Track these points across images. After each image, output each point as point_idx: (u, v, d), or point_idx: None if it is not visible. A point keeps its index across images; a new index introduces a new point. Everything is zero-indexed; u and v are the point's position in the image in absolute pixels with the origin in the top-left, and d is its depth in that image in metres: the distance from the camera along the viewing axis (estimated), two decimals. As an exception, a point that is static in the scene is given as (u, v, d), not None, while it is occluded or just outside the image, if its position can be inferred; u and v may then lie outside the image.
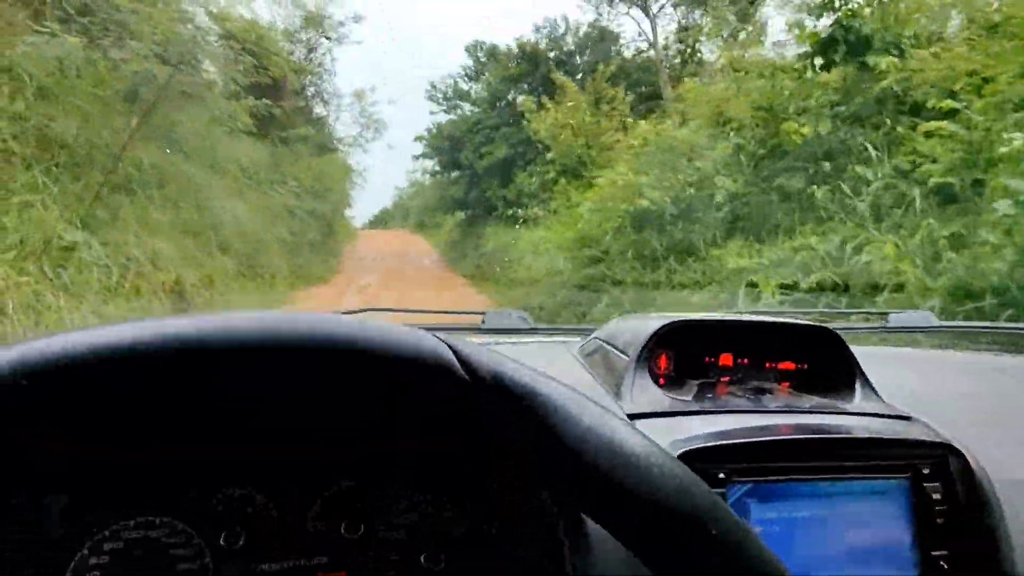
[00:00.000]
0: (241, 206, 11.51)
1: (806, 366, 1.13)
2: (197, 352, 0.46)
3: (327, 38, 21.77)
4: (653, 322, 1.08)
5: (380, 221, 58.69)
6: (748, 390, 1.06)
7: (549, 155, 15.30)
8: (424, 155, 27.30)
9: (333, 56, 26.86)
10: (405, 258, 27.52)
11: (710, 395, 1.05)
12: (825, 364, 1.11)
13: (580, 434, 0.50)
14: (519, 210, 15.32)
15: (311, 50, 22.32)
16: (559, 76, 17.07)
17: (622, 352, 1.09)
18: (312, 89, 23.19)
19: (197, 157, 10.56)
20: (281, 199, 15.82)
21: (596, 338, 1.24)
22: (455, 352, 0.50)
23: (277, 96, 16.56)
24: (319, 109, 24.82)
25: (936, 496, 0.85)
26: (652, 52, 20.15)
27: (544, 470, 0.53)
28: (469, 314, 1.72)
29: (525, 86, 21.43)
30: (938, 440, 0.88)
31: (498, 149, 20.42)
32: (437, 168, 27.79)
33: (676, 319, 1.08)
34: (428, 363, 0.49)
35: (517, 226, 16.10)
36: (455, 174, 25.53)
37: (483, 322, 1.63)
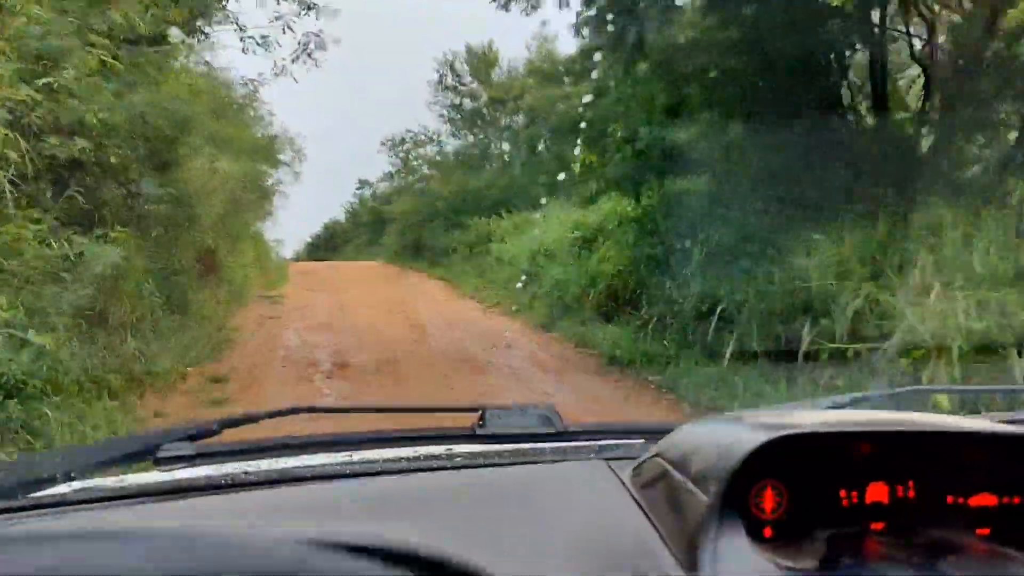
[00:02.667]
0: None
1: (1017, 500, 0.75)
2: None
3: None
4: (747, 433, 0.74)
5: (315, 249, 38.83)
6: (918, 548, 0.71)
7: None
8: None
9: None
10: (459, 362, 6.88)
11: (850, 559, 0.70)
12: None
13: None
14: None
15: None
16: None
17: (697, 486, 0.72)
18: None
19: None
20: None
21: (658, 458, 0.85)
22: None
23: None
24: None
25: None
26: None
27: None
28: (464, 411, 1.19)
29: None
30: None
31: None
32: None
33: (786, 429, 0.72)
34: None
35: None
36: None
37: (481, 423, 1.12)
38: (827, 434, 0.75)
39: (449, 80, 24.58)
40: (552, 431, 1.13)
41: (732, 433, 0.78)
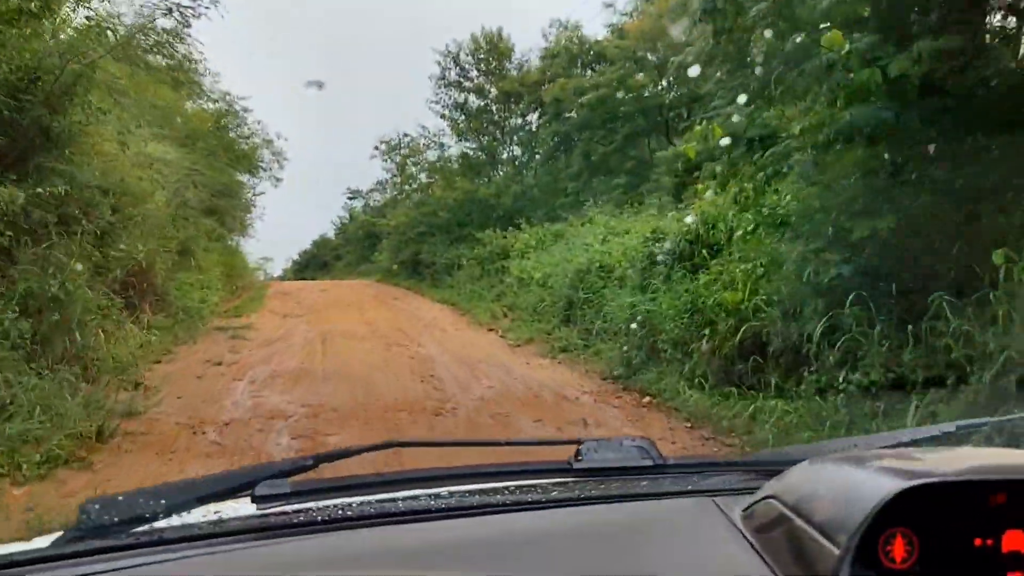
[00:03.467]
0: None
1: None
2: None
3: None
4: (875, 479, 0.72)
5: (303, 268, 35.95)
6: None
7: None
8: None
9: None
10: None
11: None
12: None
13: None
14: None
15: None
16: None
17: (823, 535, 0.70)
18: None
19: None
20: None
21: (772, 499, 0.82)
22: None
23: None
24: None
25: None
26: None
27: None
28: (561, 444, 1.16)
29: None
30: None
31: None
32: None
33: (920, 476, 0.70)
34: None
35: None
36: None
37: (577, 457, 1.08)
38: (961, 483, 0.70)
39: (452, 75, 21.43)
40: (650, 464, 1.07)
41: (857, 478, 0.75)
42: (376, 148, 25.14)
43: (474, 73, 21.30)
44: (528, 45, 26.17)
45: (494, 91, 20.91)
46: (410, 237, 21.13)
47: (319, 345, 9.80)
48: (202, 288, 13.44)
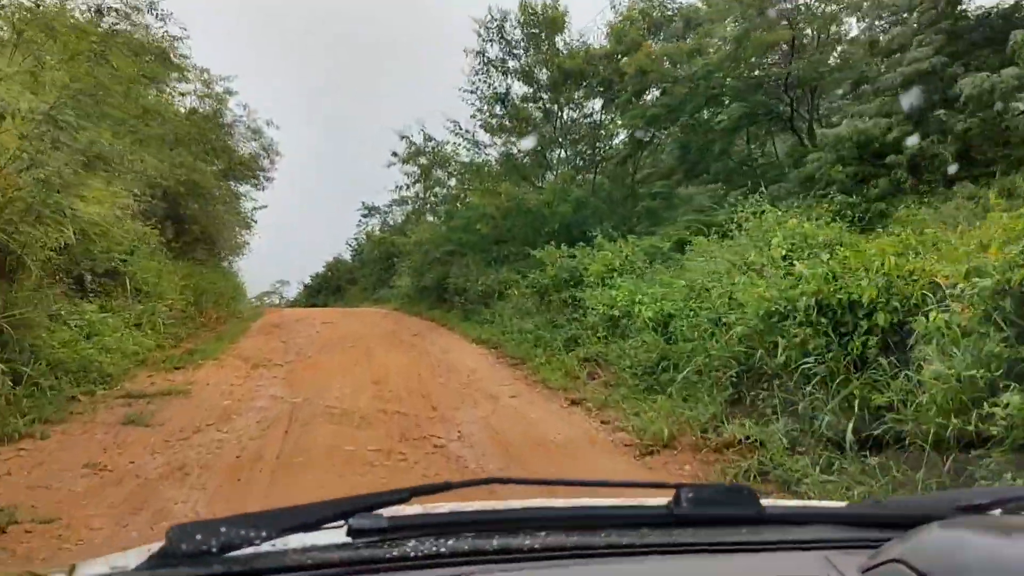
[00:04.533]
0: None
1: None
2: None
3: None
4: None
5: (315, 293, 31.99)
6: None
7: None
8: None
9: None
10: None
11: None
12: None
13: None
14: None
15: None
16: None
17: None
18: None
19: None
20: None
21: (900, 564, 0.77)
22: None
23: None
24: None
25: None
26: None
27: None
28: (658, 487, 1.11)
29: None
30: None
31: None
32: None
33: None
34: None
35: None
36: None
37: (676, 502, 1.01)
38: None
39: (494, 53, 17.04)
40: (753, 513, 1.00)
41: (1004, 546, 0.70)
42: (394, 154, 20.86)
43: (519, 51, 16.93)
44: (583, 22, 21.72)
45: (546, 73, 16.56)
46: (436, 257, 16.79)
47: (275, 444, 5.35)
48: (134, 325, 9.11)
